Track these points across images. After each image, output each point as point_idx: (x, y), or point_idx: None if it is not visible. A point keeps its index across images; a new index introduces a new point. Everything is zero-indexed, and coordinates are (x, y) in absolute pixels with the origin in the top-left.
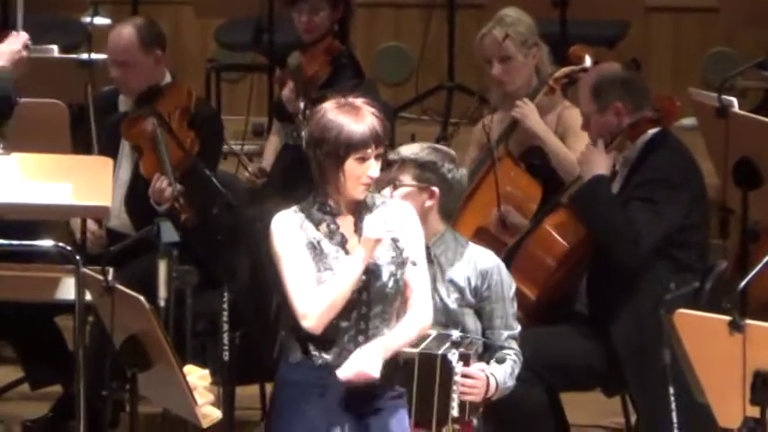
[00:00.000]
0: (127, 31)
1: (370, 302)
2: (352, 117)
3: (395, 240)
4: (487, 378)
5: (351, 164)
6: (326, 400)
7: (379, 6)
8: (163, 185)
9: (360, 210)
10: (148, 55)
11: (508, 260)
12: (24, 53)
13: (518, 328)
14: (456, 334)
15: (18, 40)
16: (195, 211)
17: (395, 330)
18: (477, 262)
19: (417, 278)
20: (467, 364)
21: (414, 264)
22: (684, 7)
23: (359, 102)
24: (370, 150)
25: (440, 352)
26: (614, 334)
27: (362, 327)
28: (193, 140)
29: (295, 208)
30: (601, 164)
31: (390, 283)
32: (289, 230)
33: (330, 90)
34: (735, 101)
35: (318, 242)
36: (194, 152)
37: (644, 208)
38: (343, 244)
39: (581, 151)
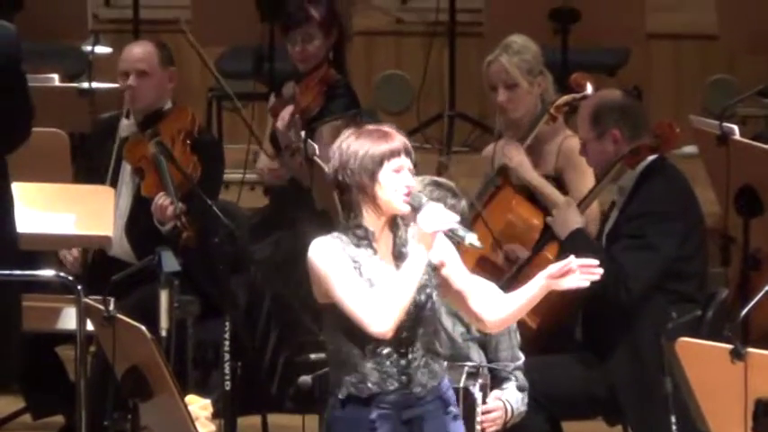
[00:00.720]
0: (145, 45)
1: (411, 326)
2: (379, 135)
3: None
4: (505, 405)
5: (386, 175)
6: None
7: (380, 35)
8: (165, 202)
9: (396, 230)
10: (164, 69)
11: (508, 289)
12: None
13: (522, 358)
14: (469, 364)
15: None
16: (196, 231)
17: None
18: None
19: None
20: (485, 394)
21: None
22: (685, 34)
23: (372, 126)
24: (402, 159)
25: (461, 385)
26: (611, 364)
27: (403, 351)
28: (196, 164)
29: (332, 234)
30: (573, 220)
31: (429, 305)
32: (332, 251)
33: (326, 119)
34: (736, 128)
35: (359, 265)
36: (197, 176)
37: (635, 247)
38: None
39: (553, 213)
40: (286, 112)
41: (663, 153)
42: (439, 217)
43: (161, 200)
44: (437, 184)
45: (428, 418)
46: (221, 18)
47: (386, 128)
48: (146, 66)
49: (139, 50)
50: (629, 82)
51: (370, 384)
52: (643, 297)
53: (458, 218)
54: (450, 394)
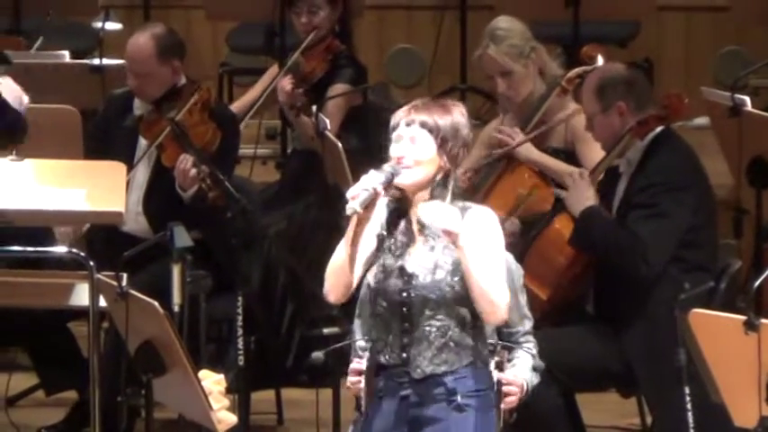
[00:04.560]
0: (144, 42)
1: (411, 305)
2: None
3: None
4: (522, 385)
5: (392, 144)
6: (385, 406)
7: (391, 9)
8: (187, 166)
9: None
10: (166, 66)
11: (519, 260)
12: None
13: (531, 319)
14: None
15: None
16: (222, 191)
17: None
18: None
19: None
20: (501, 371)
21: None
22: (696, 6)
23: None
24: (403, 129)
25: None
26: (625, 336)
27: (407, 327)
28: (215, 131)
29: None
30: (586, 195)
31: (441, 288)
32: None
33: (335, 95)
34: (748, 99)
35: (383, 237)
36: (217, 141)
37: (649, 217)
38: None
39: (568, 188)
40: (286, 82)
41: (671, 123)
42: (365, 180)
43: (182, 164)
44: None
45: (426, 400)
46: None
47: (423, 99)
48: (143, 68)
49: (137, 52)
50: (640, 54)
51: (377, 353)
52: (661, 266)
53: (376, 180)
54: (458, 385)
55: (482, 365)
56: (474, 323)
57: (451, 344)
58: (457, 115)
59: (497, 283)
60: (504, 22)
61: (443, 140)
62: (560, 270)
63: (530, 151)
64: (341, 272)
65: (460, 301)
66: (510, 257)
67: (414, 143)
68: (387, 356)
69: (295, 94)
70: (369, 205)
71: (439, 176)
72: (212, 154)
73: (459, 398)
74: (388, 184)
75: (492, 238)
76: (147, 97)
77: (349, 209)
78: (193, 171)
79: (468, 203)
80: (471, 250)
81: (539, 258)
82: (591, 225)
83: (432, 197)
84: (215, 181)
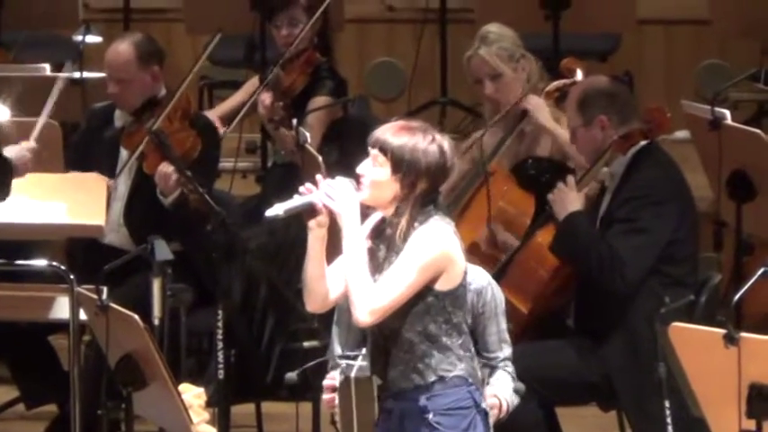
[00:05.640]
0: (124, 48)
1: (393, 316)
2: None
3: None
4: (500, 402)
5: None
6: (387, 421)
7: (371, 22)
8: (169, 170)
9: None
10: (145, 71)
11: (500, 274)
12: (29, 157)
13: (510, 346)
14: None
15: (28, 145)
16: (202, 197)
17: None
18: (471, 282)
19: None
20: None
21: None
22: (677, 20)
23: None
24: (370, 151)
25: None
26: (605, 350)
27: (381, 341)
28: (195, 138)
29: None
30: (572, 201)
31: (408, 303)
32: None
33: (318, 107)
34: (728, 113)
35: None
36: (197, 150)
37: (629, 232)
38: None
39: (554, 191)
40: (266, 96)
41: (654, 138)
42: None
43: (164, 168)
44: None
45: (405, 415)
46: (212, 6)
47: (408, 122)
48: (123, 74)
49: (117, 57)
50: (620, 67)
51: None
52: (638, 282)
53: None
54: (430, 402)
55: (459, 382)
56: (443, 339)
57: (419, 359)
58: (420, 141)
59: (366, 284)
60: (495, 27)
61: (396, 165)
62: (541, 283)
63: (544, 115)
64: (310, 283)
65: (428, 317)
66: (494, 283)
67: (374, 163)
68: (371, 366)
69: (274, 108)
70: (308, 215)
71: (397, 199)
72: (193, 162)
73: (431, 415)
74: (325, 202)
75: (410, 251)
76: (128, 106)
77: (270, 212)
78: (175, 176)
79: (429, 221)
80: (348, 239)
81: (520, 271)
82: (573, 232)
83: (396, 215)
84: (196, 188)
